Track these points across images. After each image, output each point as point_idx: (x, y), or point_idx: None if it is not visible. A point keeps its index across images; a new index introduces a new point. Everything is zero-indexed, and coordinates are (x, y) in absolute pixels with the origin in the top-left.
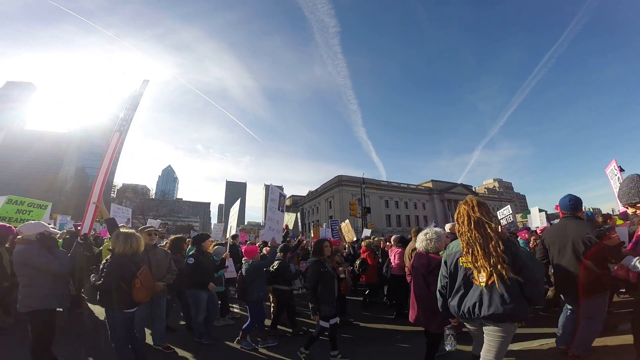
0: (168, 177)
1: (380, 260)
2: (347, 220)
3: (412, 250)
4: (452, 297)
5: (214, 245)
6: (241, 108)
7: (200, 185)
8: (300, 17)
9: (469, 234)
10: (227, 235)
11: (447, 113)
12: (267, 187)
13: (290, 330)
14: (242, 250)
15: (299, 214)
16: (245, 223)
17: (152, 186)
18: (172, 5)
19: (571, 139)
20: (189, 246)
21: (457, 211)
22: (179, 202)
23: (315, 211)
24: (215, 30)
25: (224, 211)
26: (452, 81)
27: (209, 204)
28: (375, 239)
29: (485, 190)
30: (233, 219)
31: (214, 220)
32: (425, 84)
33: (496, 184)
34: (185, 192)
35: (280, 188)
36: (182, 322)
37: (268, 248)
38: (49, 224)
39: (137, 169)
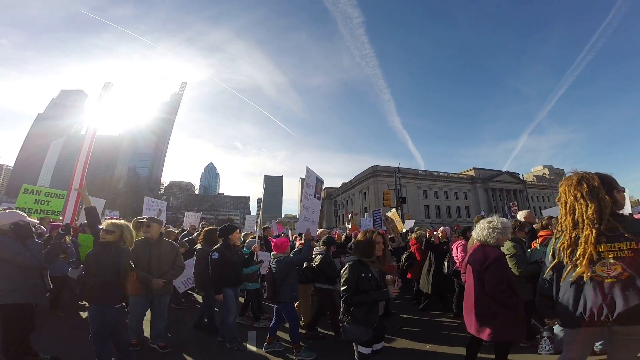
0: (210, 174)
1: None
2: (393, 209)
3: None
4: (563, 294)
5: (251, 238)
6: (274, 104)
7: (240, 180)
8: (323, 10)
9: None
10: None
11: (487, 98)
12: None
13: (333, 334)
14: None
15: (324, 202)
16: (282, 216)
17: (196, 182)
18: (198, 9)
19: (635, 120)
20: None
21: (574, 190)
22: (220, 197)
23: (349, 203)
24: (242, 30)
25: (262, 205)
26: (490, 64)
27: (248, 198)
28: (419, 230)
29: (534, 178)
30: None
31: (253, 213)
32: (460, 69)
33: (546, 171)
34: (226, 187)
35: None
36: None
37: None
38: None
39: (182, 167)
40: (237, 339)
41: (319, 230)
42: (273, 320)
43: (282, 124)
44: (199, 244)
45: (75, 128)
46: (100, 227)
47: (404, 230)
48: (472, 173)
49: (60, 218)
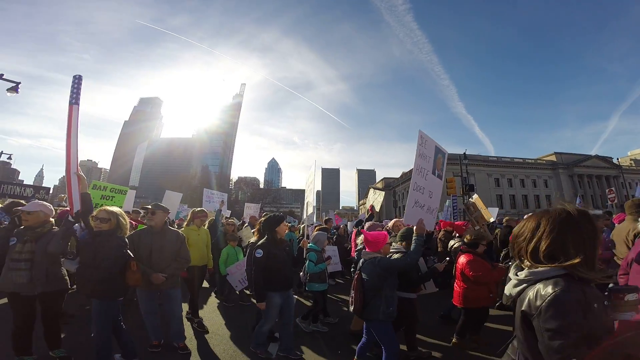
0: (273, 169)
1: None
2: (475, 195)
3: (634, 235)
4: None
5: (317, 230)
6: (327, 98)
7: (300, 174)
8: (363, 1)
9: None
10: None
11: (565, 78)
12: (360, 171)
13: (407, 351)
14: (352, 237)
15: (384, 193)
16: (340, 207)
17: (260, 177)
18: (246, 12)
19: None
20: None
21: None
22: (282, 190)
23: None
24: (288, 28)
25: (321, 197)
26: (563, 42)
27: None
28: (507, 218)
29: (632, 162)
30: (310, 193)
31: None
32: (528, 50)
33: None
34: (287, 181)
35: (372, 172)
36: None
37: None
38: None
39: (248, 163)
40: (264, 345)
41: (392, 221)
42: (362, 340)
43: (335, 117)
44: (253, 237)
45: (155, 132)
46: (93, 214)
47: (492, 220)
48: (553, 158)
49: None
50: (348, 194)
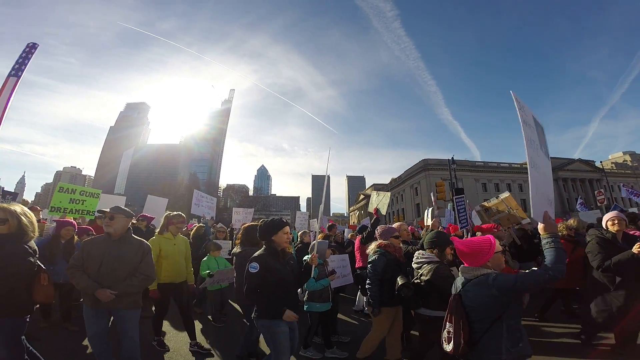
0: (262, 176)
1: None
2: (507, 193)
3: None
4: None
5: (322, 237)
6: (317, 104)
7: (290, 181)
8: (353, 7)
9: None
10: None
11: (546, 84)
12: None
13: None
14: (355, 246)
15: (389, 193)
16: (331, 214)
17: (250, 184)
18: (235, 18)
19: None
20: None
21: None
22: (272, 197)
23: (400, 199)
24: (278, 34)
25: (311, 204)
26: (546, 49)
27: (298, 197)
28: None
29: (613, 165)
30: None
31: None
32: (512, 55)
33: (628, 158)
34: (277, 188)
35: (362, 179)
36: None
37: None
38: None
39: (237, 170)
40: None
41: (396, 224)
42: None
43: (325, 123)
44: (237, 247)
45: (142, 138)
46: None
47: (524, 222)
48: None
49: (94, 217)
50: (338, 200)
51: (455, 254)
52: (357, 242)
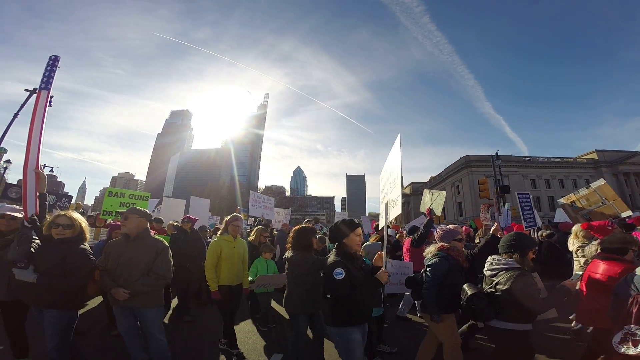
0: (298, 177)
1: None
2: (602, 181)
3: None
4: None
5: (376, 239)
6: (349, 104)
7: (325, 181)
8: (378, 5)
9: None
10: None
11: (599, 73)
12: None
13: None
14: (404, 247)
15: (411, 198)
16: (367, 214)
17: (287, 186)
18: (264, 23)
19: None
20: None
21: None
22: (307, 197)
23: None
24: (306, 36)
25: (347, 204)
26: (593, 36)
27: (333, 198)
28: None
29: None
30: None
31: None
32: (555, 43)
33: None
34: (313, 188)
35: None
36: None
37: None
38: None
39: (274, 172)
40: None
41: (451, 226)
42: None
43: (358, 122)
44: (288, 251)
45: (187, 144)
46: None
47: (627, 215)
48: (595, 156)
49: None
50: (374, 200)
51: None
52: (406, 244)
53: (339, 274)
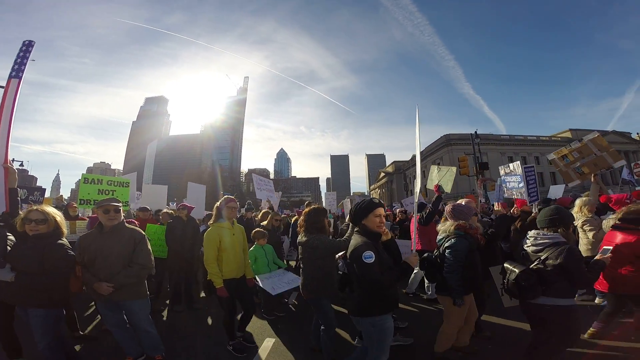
0: (282, 159)
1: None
2: (596, 133)
3: None
4: None
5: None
6: (331, 86)
7: (309, 162)
8: None
9: None
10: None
11: (575, 56)
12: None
13: None
14: (411, 226)
15: (394, 176)
16: (351, 193)
17: (270, 168)
18: (240, 6)
19: None
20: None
21: None
22: (292, 179)
23: (422, 176)
24: (285, 18)
25: (332, 184)
26: (570, 18)
27: (317, 178)
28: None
29: None
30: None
31: (323, 193)
32: (534, 26)
33: None
34: (297, 169)
35: (382, 157)
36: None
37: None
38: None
39: (257, 155)
40: None
41: (464, 200)
42: None
43: (340, 103)
44: (301, 235)
45: (164, 130)
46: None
47: (617, 165)
48: (569, 135)
49: (128, 208)
50: (358, 179)
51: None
52: (412, 223)
53: (369, 257)
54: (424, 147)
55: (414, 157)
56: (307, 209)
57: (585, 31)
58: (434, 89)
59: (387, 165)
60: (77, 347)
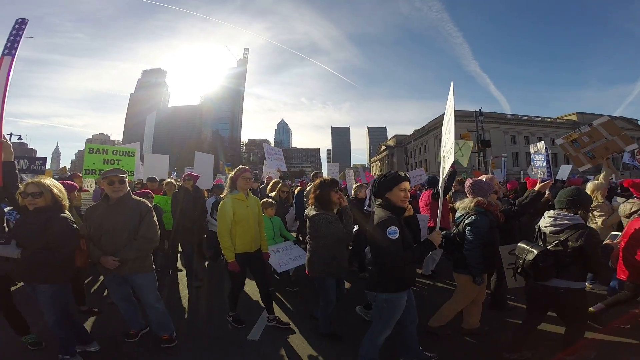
0: (282, 129)
1: None
2: (606, 117)
3: None
4: None
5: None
6: (334, 58)
7: (310, 133)
8: None
9: None
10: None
11: (590, 38)
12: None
13: None
14: (422, 200)
15: (395, 150)
16: (351, 165)
17: (271, 138)
18: None
19: None
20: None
21: None
22: (292, 150)
23: (423, 150)
24: None
25: (332, 155)
26: (588, 2)
27: (318, 150)
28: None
29: None
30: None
31: (323, 165)
32: (548, 9)
33: None
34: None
35: (383, 130)
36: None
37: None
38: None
39: (258, 126)
40: None
41: (486, 177)
42: None
43: (342, 76)
44: (311, 208)
45: (163, 101)
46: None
47: (629, 149)
48: (575, 118)
49: (133, 178)
50: (358, 151)
51: None
52: (425, 197)
53: (394, 232)
54: (427, 123)
55: (415, 131)
56: (317, 181)
57: (602, 12)
58: (440, 66)
59: (388, 138)
60: (89, 322)
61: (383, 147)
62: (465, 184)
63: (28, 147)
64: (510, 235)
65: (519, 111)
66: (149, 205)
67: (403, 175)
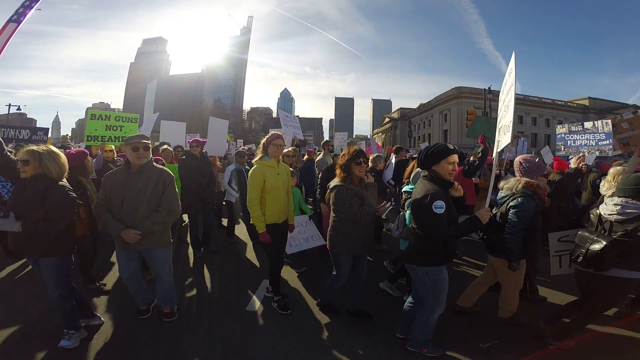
0: (285, 98)
1: None
2: None
3: None
4: None
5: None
6: (341, 28)
7: (313, 102)
8: None
9: None
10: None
11: (610, 24)
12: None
13: None
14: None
15: (398, 122)
16: (354, 136)
17: (273, 107)
18: None
19: None
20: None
21: None
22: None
23: (427, 124)
24: None
25: (334, 125)
26: None
27: (320, 119)
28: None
29: None
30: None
31: (325, 134)
32: None
33: None
34: (301, 109)
35: (388, 102)
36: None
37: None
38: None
39: (260, 94)
40: (429, 342)
41: (529, 155)
42: None
43: (349, 46)
44: (336, 179)
45: (164, 69)
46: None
47: None
48: (586, 103)
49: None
50: (361, 122)
51: None
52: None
53: (440, 207)
54: (433, 97)
55: (421, 105)
56: (345, 151)
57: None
58: (450, 41)
59: (392, 111)
60: (95, 298)
61: (387, 120)
62: (514, 161)
63: (28, 117)
64: (546, 221)
65: (529, 92)
66: (172, 174)
67: (452, 147)
